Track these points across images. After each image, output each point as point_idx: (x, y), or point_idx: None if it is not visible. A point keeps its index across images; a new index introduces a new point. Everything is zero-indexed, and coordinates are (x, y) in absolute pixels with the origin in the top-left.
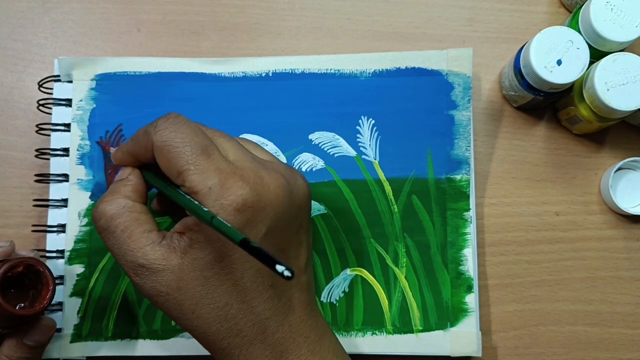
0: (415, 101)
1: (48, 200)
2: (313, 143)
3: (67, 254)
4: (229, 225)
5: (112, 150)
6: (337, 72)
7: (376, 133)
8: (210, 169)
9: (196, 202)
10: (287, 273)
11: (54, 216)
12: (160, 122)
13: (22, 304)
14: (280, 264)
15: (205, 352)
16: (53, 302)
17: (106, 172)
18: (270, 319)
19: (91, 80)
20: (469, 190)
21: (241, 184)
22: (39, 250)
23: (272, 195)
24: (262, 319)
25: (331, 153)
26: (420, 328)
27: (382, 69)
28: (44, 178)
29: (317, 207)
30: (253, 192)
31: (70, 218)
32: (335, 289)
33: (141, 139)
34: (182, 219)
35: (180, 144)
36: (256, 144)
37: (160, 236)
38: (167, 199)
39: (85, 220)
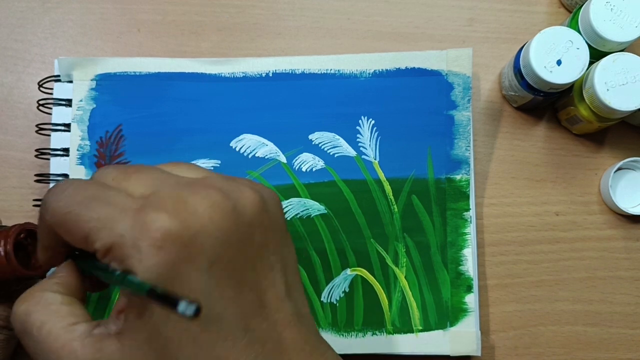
0: (415, 101)
1: None
2: (313, 143)
3: None
4: (135, 278)
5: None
6: (337, 72)
7: (376, 133)
8: (114, 215)
9: (103, 264)
10: (189, 312)
11: None
12: (45, 199)
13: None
14: (179, 301)
15: None
16: None
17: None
18: None
19: (91, 80)
20: (468, 190)
21: (155, 215)
22: None
23: (203, 218)
24: None
25: (331, 153)
26: (420, 328)
27: (382, 69)
28: (44, 178)
29: (317, 207)
30: (174, 220)
31: None
32: (335, 289)
33: (41, 229)
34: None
35: (70, 207)
36: (188, 163)
37: (91, 326)
38: None
39: None
